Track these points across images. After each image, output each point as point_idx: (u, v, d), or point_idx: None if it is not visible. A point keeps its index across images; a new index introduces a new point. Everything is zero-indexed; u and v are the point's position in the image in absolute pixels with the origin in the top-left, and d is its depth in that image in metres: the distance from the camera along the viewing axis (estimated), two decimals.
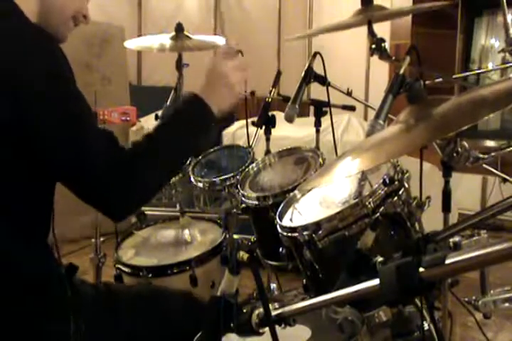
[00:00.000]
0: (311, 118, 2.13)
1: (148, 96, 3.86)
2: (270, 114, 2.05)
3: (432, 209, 1.36)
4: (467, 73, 3.34)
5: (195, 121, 1.33)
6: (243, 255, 0.98)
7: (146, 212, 2.17)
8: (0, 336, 1.18)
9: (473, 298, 1.31)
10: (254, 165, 1.93)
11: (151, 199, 1.32)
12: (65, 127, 1.17)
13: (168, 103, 2.19)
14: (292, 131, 3.27)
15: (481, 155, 1.34)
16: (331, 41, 4.37)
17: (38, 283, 1.24)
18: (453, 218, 1.70)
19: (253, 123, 2.04)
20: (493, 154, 1.37)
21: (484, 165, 1.65)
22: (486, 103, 0.94)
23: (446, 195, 1.41)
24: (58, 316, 1.23)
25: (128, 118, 2.12)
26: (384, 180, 1.35)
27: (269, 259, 1.75)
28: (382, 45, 1.36)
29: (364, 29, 1.41)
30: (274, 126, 2.07)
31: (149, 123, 3.35)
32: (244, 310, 0.96)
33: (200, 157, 2.19)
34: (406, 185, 1.38)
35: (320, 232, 1.34)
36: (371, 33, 1.39)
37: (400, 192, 1.36)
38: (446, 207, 1.41)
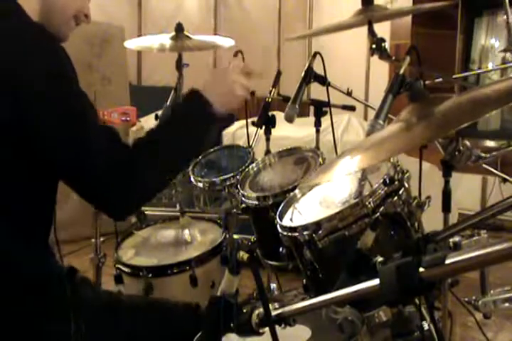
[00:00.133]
0: (311, 118, 2.13)
1: (148, 96, 3.87)
2: (270, 114, 2.05)
3: (432, 209, 1.36)
4: (467, 73, 3.34)
5: (195, 117, 1.32)
6: (243, 255, 0.98)
7: (146, 212, 2.16)
8: (0, 336, 1.18)
9: (473, 298, 1.31)
10: (254, 165, 1.93)
11: (151, 199, 1.32)
12: (65, 127, 1.17)
13: (168, 103, 2.19)
14: (292, 131, 3.27)
15: (483, 154, 1.34)
16: (331, 41, 4.37)
17: (38, 283, 1.24)
18: (453, 218, 1.70)
19: (253, 123, 2.04)
20: (493, 154, 1.37)
21: (484, 165, 1.65)
22: (487, 101, 0.94)
23: (446, 195, 1.41)
24: (58, 316, 1.23)
25: (128, 118, 2.12)
26: (384, 180, 1.35)
27: (269, 259, 1.75)
28: (382, 45, 1.36)
29: (364, 29, 1.41)
30: (274, 126, 2.07)
31: (149, 123, 3.34)
32: (244, 310, 0.96)
33: (200, 157, 2.19)
34: (406, 185, 1.38)
35: (320, 232, 1.34)
36: (371, 33, 1.39)
37: (400, 192, 1.36)
38: (446, 207, 1.41)
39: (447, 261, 0.69)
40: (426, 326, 1.31)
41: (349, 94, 2.09)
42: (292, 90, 1.91)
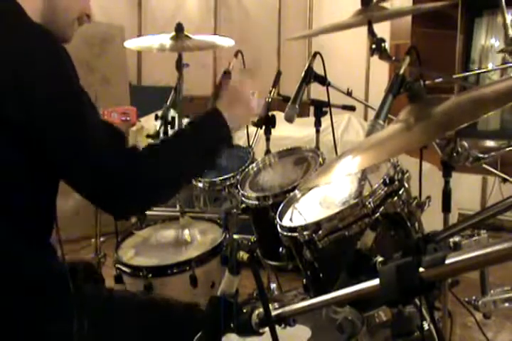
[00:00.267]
0: (311, 118, 2.12)
1: (148, 96, 3.87)
2: (270, 114, 2.05)
3: (431, 209, 1.36)
4: (467, 73, 3.34)
5: (211, 136, 1.33)
6: (243, 255, 0.98)
7: (146, 212, 2.16)
8: (3, 335, 1.18)
9: (473, 298, 1.31)
10: (254, 165, 1.93)
11: (156, 204, 1.32)
12: (66, 127, 1.17)
13: (168, 103, 2.19)
14: (292, 131, 3.26)
15: (481, 155, 1.34)
16: (331, 41, 4.37)
17: (41, 282, 1.24)
18: (453, 218, 1.70)
19: (253, 123, 2.04)
20: (493, 154, 1.37)
21: (484, 165, 1.65)
22: (487, 101, 0.94)
23: (446, 195, 1.41)
24: (61, 315, 1.23)
25: (128, 118, 2.11)
26: (384, 180, 1.35)
27: (269, 259, 1.75)
28: (382, 45, 1.36)
29: (364, 29, 1.41)
30: (274, 126, 2.07)
31: (149, 123, 3.34)
32: (244, 310, 0.96)
33: None
34: (406, 185, 1.38)
35: (320, 232, 1.34)
36: (371, 33, 1.39)
37: (400, 192, 1.36)
38: (446, 207, 1.41)
39: (447, 261, 0.69)
40: (426, 326, 1.31)
41: (349, 94, 2.09)
42: (292, 90, 1.91)
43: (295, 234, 1.39)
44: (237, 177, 1.92)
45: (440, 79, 1.94)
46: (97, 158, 1.17)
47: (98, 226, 2.21)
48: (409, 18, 3.94)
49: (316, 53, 1.96)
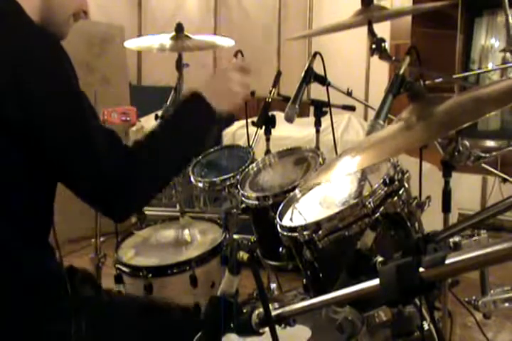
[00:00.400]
0: (311, 118, 2.13)
1: (148, 96, 3.86)
2: (270, 114, 2.05)
3: (431, 209, 1.36)
4: (467, 73, 3.34)
5: (196, 118, 1.32)
6: (243, 255, 0.98)
7: (146, 212, 2.16)
8: (0, 336, 1.18)
9: (473, 298, 1.31)
10: (254, 165, 1.93)
11: (152, 199, 1.32)
12: (65, 127, 1.17)
13: (168, 103, 2.19)
14: (292, 131, 3.27)
15: (482, 154, 1.34)
16: (331, 41, 4.37)
17: (39, 283, 1.24)
18: (453, 218, 1.70)
19: (253, 123, 2.04)
20: (494, 154, 1.37)
21: (484, 165, 1.65)
22: (488, 101, 0.94)
23: (446, 195, 1.41)
24: (59, 316, 1.23)
25: (128, 118, 2.12)
26: (384, 180, 1.35)
27: (269, 259, 1.75)
28: (382, 45, 1.36)
29: (364, 29, 1.42)
30: (274, 126, 2.07)
31: (149, 123, 3.34)
32: (244, 310, 0.96)
33: (200, 157, 2.19)
34: (406, 185, 1.38)
35: (320, 232, 1.34)
36: (371, 33, 1.39)
37: (400, 192, 1.36)
38: (446, 207, 1.41)
39: (447, 261, 0.69)
40: (426, 326, 1.31)
41: (349, 94, 2.09)
42: (292, 90, 1.91)
43: (295, 234, 1.39)
44: (237, 177, 1.92)
45: (440, 79, 1.94)
46: (95, 158, 1.17)
47: (98, 226, 2.21)
48: (409, 18, 3.94)
49: (316, 53, 1.96)
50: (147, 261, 1.96)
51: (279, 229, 1.46)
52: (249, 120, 2.12)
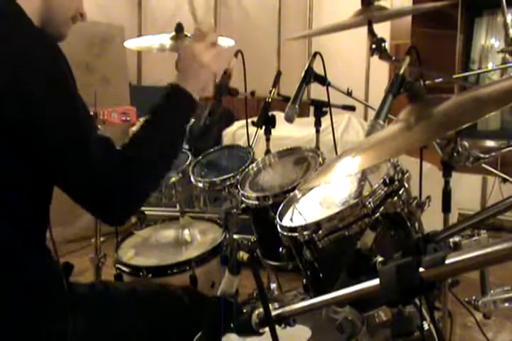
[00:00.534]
0: (311, 118, 2.13)
1: (148, 96, 3.85)
2: (270, 114, 2.05)
3: (431, 209, 1.36)
4: (467, 73, 3.34)
5: (178, 111, 1.34)
6: (243, 255, 0.98)
7: (146, 212, 2.17)
8: (0, 335, 1.18)
9: (473, 298, 1.31)
10: (254, 165, 1.93)
11: (148, 198, 1.33)
12: (65, 128, 1.17)
13: None
14: (292, 131, 3.27)
15: (481, 155, 1.34)
16: (331, 41, 4.37)
17: (38, 283, 1.24)
18: (453, 218, 1.70)
19: (253, 123, 2.04)
20: (493, 154, 1.37)
21: (484, 165, 1.65)
22: (488, 101, 0.94)
23: (446, 195, 1.41)
24: (56, 315, 1.23)
25: (128, 118, 2.12)
26: (384, 180, 1.35)
27: (269, 259, 1.75)
28: (382, 45, 1.36)
29: (364, 29, 1.42)
30: (274, 126, 2.07)
31: None
32: (244, 310, 0.96)
33: (200, 157, 2.19)
34: (406, 185, 1.38)
35: (320, 232, 1.34)
36: (371, 33, 1.39)
37: (400, 192, 1.36)
38: (446, 207, 1.41)
39: (447, 261, 0.69)
40: (426, 326, 1.31)
41: (349, 94, 2.09)
42: (292, 90, 1.91)
43: (295, 234, 1.39)
44: (237, 177, 1.92)
45: (440, 79, 1.94)
46: (94, 160, 1.18)
47: (98, 226, 2.21)
48: (409, 18, 3.93)
49: (316, 53, 1.96)
50: (147, 261, 1.96)
51: (279, 229, 1.46)
52: (249, 120, 2.12)
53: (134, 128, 1.33)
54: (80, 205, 1.23)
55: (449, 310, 1.48)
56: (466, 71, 3.76)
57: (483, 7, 3.97)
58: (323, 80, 1.97)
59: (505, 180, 1.89)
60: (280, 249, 1.64)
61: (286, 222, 1.49)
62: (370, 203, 1.32)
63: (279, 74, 2.13)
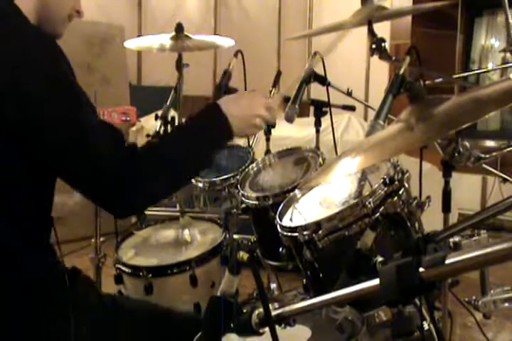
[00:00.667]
0: (311, 119, 2.12)
1: (148, 96, 3.87)
2: None
3: (431, 209, 1.36)
4: (467, 73, 3.34)
5: (210, 130, 1.31)
6: (243, 255, 0.98)
7: (146, 212, 2.16)
8: (0, 335, 1.18)
9: (473, 298, 1.31)
10: (254, 165, 1.93)
11: (158, 201, 1.31)
12: (65, 127, 1.17)
13: (168, 103, 2.19)
14: (292, 131, 3.27)
15: (482, 155, 1.34)
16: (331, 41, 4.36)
17: (39, 283, 1.24)
18: (453, 218, 1.70)
19: None
20: (494, 154, 1.37)
21: (484, 165, 1.65)
22: (488, 101, 0.94)
23: (446, 195, 1.41)
24: (59, 316, 1.23)
25: (128, 118, 2.11)
26: (384, 180, 1.35)
27: (269, 259, 1.75)
28: (382, 45, 1.36)
29: (364, 29, 1.41)
30: (274, 126, 2.07)
31: (149, 123, 3.35)
32: (244, 310, 0.96)
33: None
34: (406, 185, 1.38)
35: (320, 232, 1.34)
36: (371, 33, 1.39)
37: (400, 192, 1.36)
38: (446, 207, 1.41)
39: (447, 261, 0.69)
40: (426, 326, 1.31)
41: (349, 94, 2.09)
42: (292, 90, 1.91)
43: (295, 234, 1.39)
44: (237, 177, 1.92)
45: (440, 79, 1.94)
46: (95, 158, 1.17)
47: (98, 226, 2.21)
48: (409, 18, 3.94)
49: (316, 53, 1.96)
50: (147, 261, 1.96)
51: (279, 229, 1.46)
52: None
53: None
54: (82, 195, 1.23)
55: (449, 310, 1.48)
56: (466, 71, 3.76)
57: (483, 7, 3.97)
58: (323, 80, 1.97)
59: (505, 180, 1.89)
60: (280, 249, 1.64)
61: (286, 222, 1.49)
62: (370, 203, 1.32)
63: (279, 74, 2.13)
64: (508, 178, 1.88)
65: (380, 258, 1.02)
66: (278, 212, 1.53)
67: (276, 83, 2.11)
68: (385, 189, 1.34)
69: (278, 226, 1.47)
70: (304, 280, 1.51)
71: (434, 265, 0.70)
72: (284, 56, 5.22)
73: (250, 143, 2.18)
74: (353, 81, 3.30)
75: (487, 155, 1.35)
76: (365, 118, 4.26)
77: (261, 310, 0.93)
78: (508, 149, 1.42)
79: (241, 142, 2.32)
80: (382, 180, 1.35)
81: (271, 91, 2.07)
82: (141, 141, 1.36)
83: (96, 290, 1.46)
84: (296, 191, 1.61)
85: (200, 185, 2.01)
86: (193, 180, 2.05)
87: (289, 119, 1.88)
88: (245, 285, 1.64)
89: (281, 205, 1.56)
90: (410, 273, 0.71)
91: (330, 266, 1.39)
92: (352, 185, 1.55)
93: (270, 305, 0.93)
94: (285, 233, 1.43)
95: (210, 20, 5.16)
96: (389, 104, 1.31)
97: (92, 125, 1.20)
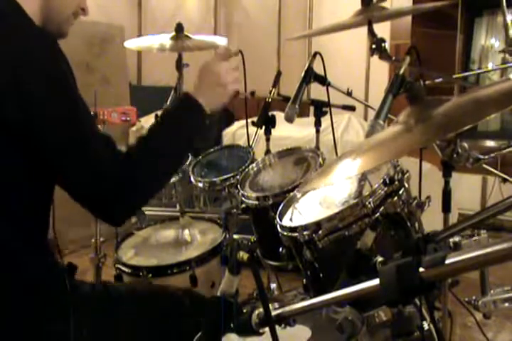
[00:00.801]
0: (311, 118, 2.12)
1: (148, 96, 3.86)
2: (270, 114, 2.05)
3: (431, 209, 1.36)
4: (467, 73, 3.34)
5: (187, 120, 1.34)
6: (243, 255, 0.98)
7: (146, 212, 2.16)
8: (0, 335, 1.18)
9: (473, 298, 1.31)
10: (254, 165, 1.93)
11: (150, 200, 1.33)
12: (65, 128, 1.17)
13: (168, 103, 2.19)
14: (292, 131, 3.27)
15: (481, 156, 1.34)
16: (331, 41, 4.37)
17: (39, 283, 1.24)
18: (453, 218, 1.70)
19: (253, 123, 2.04)
20: (492, 155, 1.37)
21: (484, 166, 1.65)
22: (489, 102, 0.94)
23: (446, 195, 1.41)
24: (58, 316, 1.23)
25: (128, 118, 2.12)
26: (384, 180, 1.35)
27: (269, 259, 1.75)
28: (382, 45, 1.36)
29: (364, 29, 1.41)
30: (274, 126, 2.07)
31: (149, 123, 3.34)
32: (244, 310, 0.96)
33: (200, 157, 2.19)
34: (406, 185, 1.38)
35: (320, 232, 1.34)
36: (371, 33, 1.39)
37: (400, 192, 1.36)
38: (446, 207, 1.41)
39: (447, 261, 0.69)
40: (426, 326, 1.31)
41: (349, 94, 2.09)
42: (292, 90, 1.91)
43: (295, 234, 1.39)
44: (237, 177, 1.92)
45: (440, 79, 1.94)
46: (95, 163, 1.18)
47: (98, 226, 2.21)
48: (409, 18, 3.94)
49: (316, 53, 1.96)
50: (147, 261, 1.96)
51: (279, 229, 1.46)
52: (249, 120, 2.11)
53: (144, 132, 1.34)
54: (80, 204, 1.23)
55: (449, 310, 1.48)
56: (466, 71, 3.76)
57: (483, 7, 3.97)
58: (323, 80, 1.97)
59: (505, 180, 1.89)
60: (280, 249, 1.64)
61: (286, 222, 1.49)
62: (370, 203, 1.32)
63: (279, 74, 2.13)
64: (508, 178, 1.88)
65: (380, 258, 1.02)
66: (278, 212, 1.53)
67: (276, 83, 2.11)
68: (385, 189, 1.34)
69: (278, 226, 1.47)
70: (304, 280, 1.51)
71: (434, 265, 0.70)
72: (284, 56, 5.21)
73: (250, 143, 2.18)
74: (353, 81, 3.30)
75: (486, 156, 1.35)
76: (365, 118, 4.26)
77: (261, 310, 0.93)
78: (508, 149, 1.42)
79: (241, 142, 2.32)
80: (382, 180, 1.35)
81: (271, 92, 2.07)
82: None
83: (92, 284, 1.46)
84: (296, 191, 1.61)
85: (200, 185, 2.01)
86: (193, 180, 2.05)
87: (289, 119, 1.88)
88: (245, 285, 1.63)
89: (281, 205, 1.56)
90: (410, 273, 0.71)
91: (330, 266, 1.39)
92: (352, 185, 1.55)
93: (270, 305, 0.93)
94: (285, 233, 1.43)
95: (210, 20, 5.16)
96: (389, 103, 1.30)
97: (91, 129, 1.21)
